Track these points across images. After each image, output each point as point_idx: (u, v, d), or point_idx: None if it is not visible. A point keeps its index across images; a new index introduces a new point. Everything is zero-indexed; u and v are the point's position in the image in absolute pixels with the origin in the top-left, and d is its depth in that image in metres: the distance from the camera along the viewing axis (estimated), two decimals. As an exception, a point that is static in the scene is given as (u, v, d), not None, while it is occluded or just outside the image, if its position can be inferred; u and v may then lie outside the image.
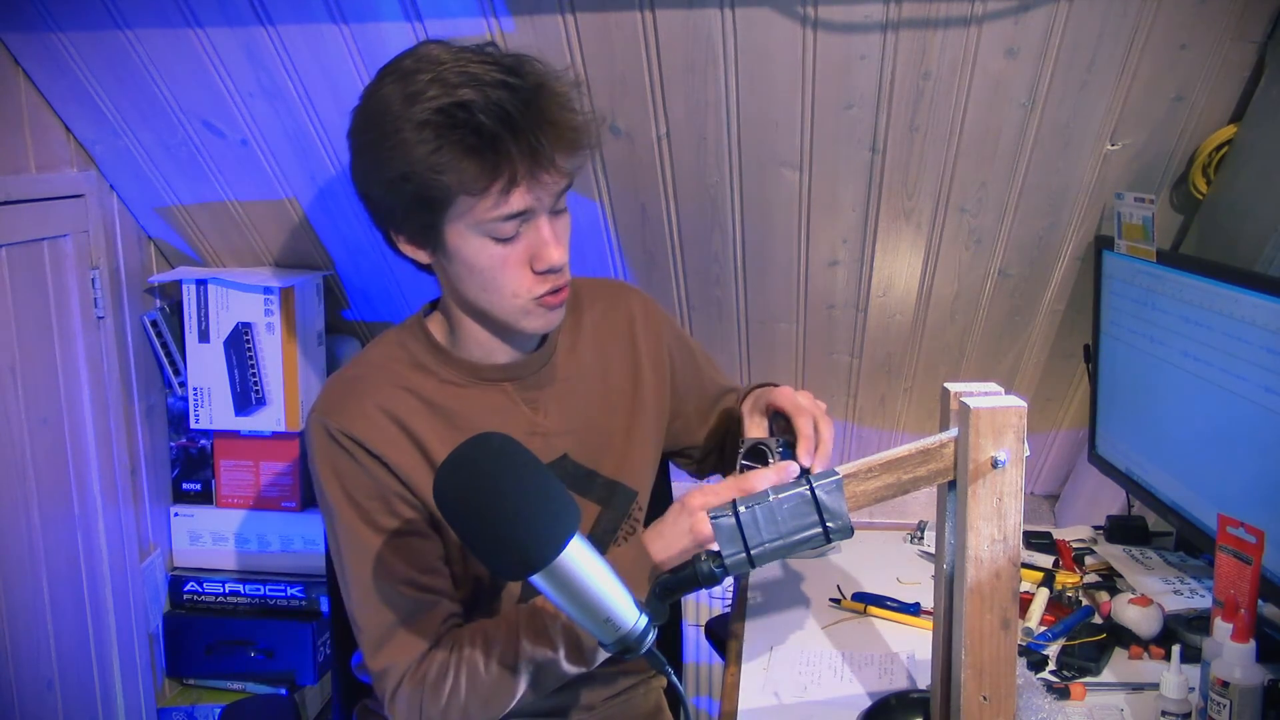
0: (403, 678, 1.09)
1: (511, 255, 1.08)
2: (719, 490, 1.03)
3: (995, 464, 0.86)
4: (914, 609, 1.37)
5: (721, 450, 1.42)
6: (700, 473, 1.47)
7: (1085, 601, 1.41)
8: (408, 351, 1.19)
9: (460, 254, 1.08)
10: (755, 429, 1.23)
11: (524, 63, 1.06)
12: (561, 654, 1.07)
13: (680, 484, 1.56)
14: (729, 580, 1.15)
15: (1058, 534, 1.64)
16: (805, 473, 1.04)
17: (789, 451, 1.15)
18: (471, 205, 1.04)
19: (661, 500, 1.56)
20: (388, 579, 1.11)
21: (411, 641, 1.11)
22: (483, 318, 1.15)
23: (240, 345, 1.74)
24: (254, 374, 1.74)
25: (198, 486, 1.85)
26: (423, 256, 1.13)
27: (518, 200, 1.04)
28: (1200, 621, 1.27)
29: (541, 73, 1.06)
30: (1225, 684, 1.00)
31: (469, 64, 1.03)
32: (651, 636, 0.89)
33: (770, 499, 0.87)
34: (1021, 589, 1.27)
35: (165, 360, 1.80)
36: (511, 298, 1.10)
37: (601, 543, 1.25)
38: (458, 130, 1.00)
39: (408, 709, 1.09)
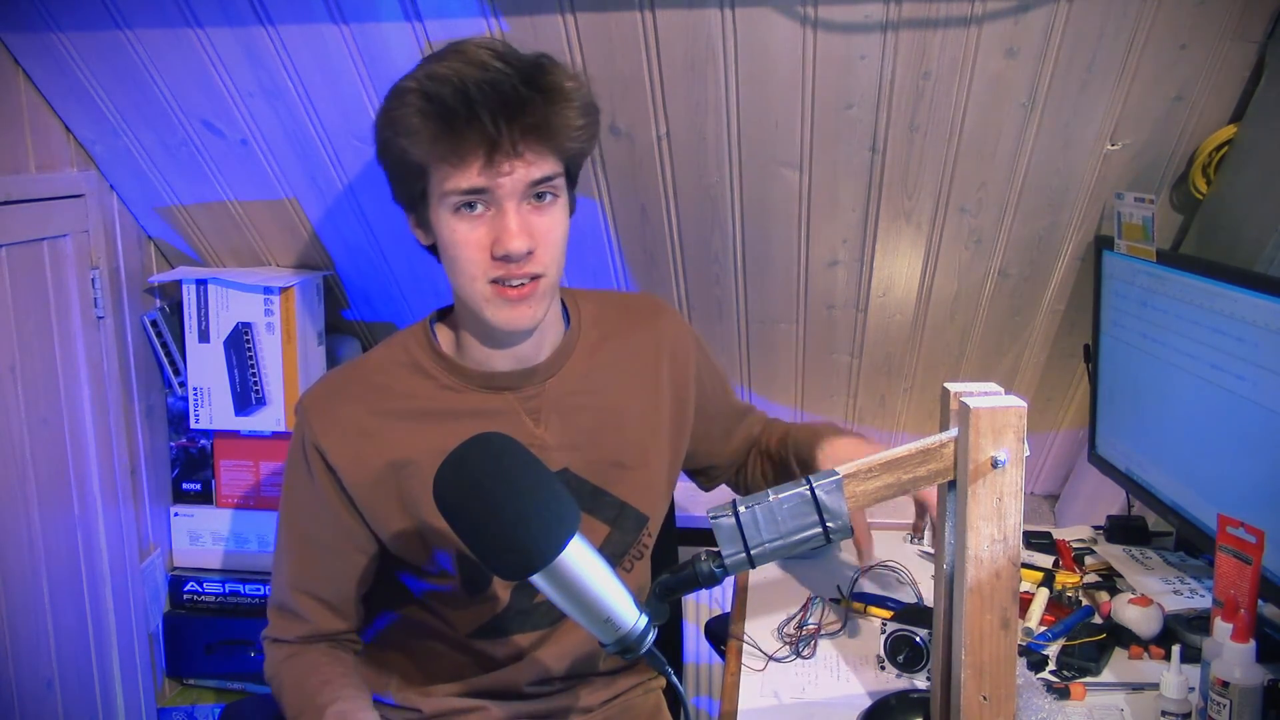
0: (269, 639, 1.25)
1: (473, 236, 1.09)
2: None
3: (995, 464, 0.86)
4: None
5: (739, 471, 1.45)
6: (710, 488, 1.48)
7: (1085, 601, 1.41)
8: (409, 355, 1.20)
9: (438, 231, 1.11)
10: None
11: (519, 56, 1.08)
12: None
13: (683, 483, 1.56)
14: (729, 580, 1.15)
15: (1058, 534, 1.64)
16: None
17: None
18: (438, 176, 1.07)
19: (668, 525, 1.55)
20: (290, 579, 1.22)
21: (285, 626, 1.24)
22: (468, 311, 1.16)
23: (240, 345, 1.74)
24: (254, 374, 1.74)
25: (198, 486, 1.85)
26: (424, 238, 1.16)
27: (473, 175, 1.05)
28: (1200, 621, 1.27)
29: (533, 65, 1.07)
30: (1225, 684, 1.00)
31: (473, 48, 1.06)
32: (651, 636, 0.89)
33: (770, 499, 0.87)
34: (1021, 589, 1.27)
35: (165, 360, 1.80)
36: (470, 281, 1.11)
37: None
38: (424, 99, 1.04)
39: (265, 660, 1.25)
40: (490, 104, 1.02)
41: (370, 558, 1.22)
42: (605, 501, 1.24)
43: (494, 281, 1.10)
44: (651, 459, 1.27)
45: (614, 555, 1.25)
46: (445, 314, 1.24)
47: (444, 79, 1.03)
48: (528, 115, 1.04)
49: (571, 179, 1.17)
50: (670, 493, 1.34)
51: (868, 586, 1.45)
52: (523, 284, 1.10)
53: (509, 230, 1.07)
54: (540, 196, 1.10)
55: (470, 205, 1.08)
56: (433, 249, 1.16)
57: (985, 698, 0.91)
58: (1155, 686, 1.12)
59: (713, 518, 0.88)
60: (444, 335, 1.22)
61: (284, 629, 1.23)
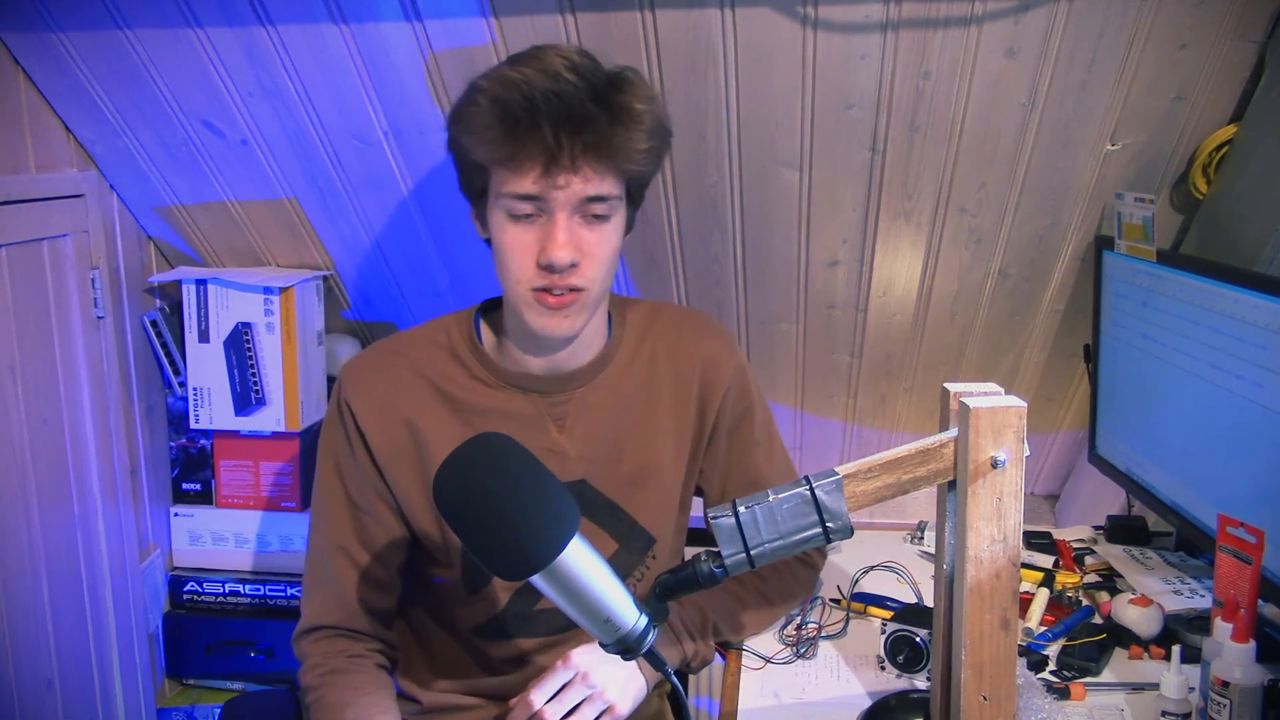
0: (308, 630, 1.21)
1: (522, 240, 1.10)
2: None
3: (995, 464, 0.86)
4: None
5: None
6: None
7: (1085, 602, 1.41)
8: (449, 339, 1.22)
9: (491, 230, 1.13)
10: None
11: (596, 70, 1.08)
12: None
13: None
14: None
15: (1058, 534, 1.64)
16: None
17: None
18: (497, 179, 1.09)
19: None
20: (328, 539, 1.21)
21: (328, 605, 1.21)
22: (511, 310, 1.17)
23: (240, 345, 1.74)
24: (254, 374, 1.74)
25: (197, 487, 1.85)
26: (483, 232, 1.17)
27: (528, 183, 1.06)
28: (1200, 621, 1.27)
29: (607, 82, 1.08)
30: (1225, 684, 1.00)
31: (552, 55, 1.07)
32: (651, 637, 0.90)
33: (770, 499, 0.87)
34: (1021, 589, 1.28)
35: (165, 360, 1.80)
36: (515, 284, 1.12)
37: None
38: (492, 101, 1.05)
39: (300, 658, 1.22)
40: (554, 116, 1.03)
41: (405, 525, 1.22)
42: (618, 518, 1.24)
43: (536, 289, 1.10)
44: (668, 480, 1.27)
45: (620, 576, 1.25)
46: (494, 304, 1.25)
47: (514, 84, 1.04)
48: (590, 132, 1.05)
49: (633, 199, 1.17)
50: (683, 518, 1.33)
51: (868, 586, 1.45)
52: (563, 294, 1.10)
53: (555, 241, 1.08)
54: (595, 215, 1.10)
55: (524, 212, 1.08)
56: (489, 242, 1.18)
57: (985, 698, 0.91)
58: (1155, 687, 1.12)
59: (712, 518, 0.88)
60: (486, 327, 1.24)
61: (319, 608, 1.21)
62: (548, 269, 1.08)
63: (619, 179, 1.10)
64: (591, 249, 1.10)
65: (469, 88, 1.10)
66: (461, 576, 1.22)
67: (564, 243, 1.08)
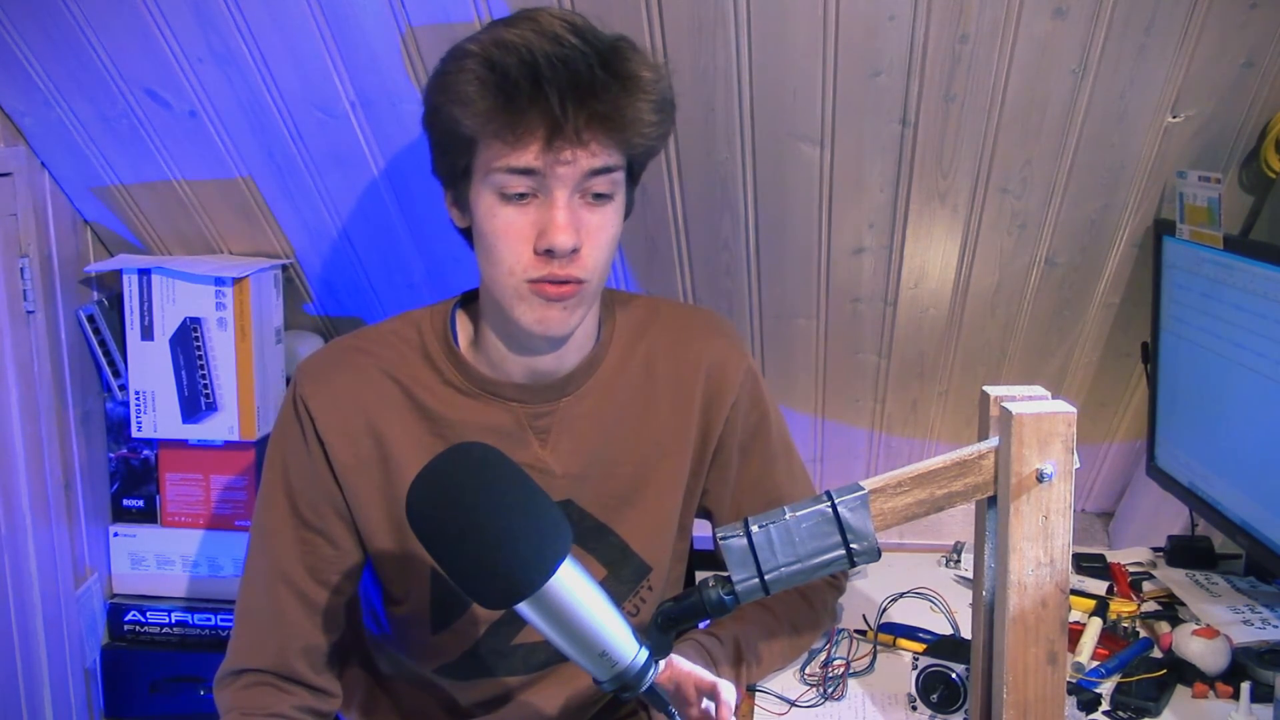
0: (234, 674, 1.19)
1: (517, 223, 1.09)
2: None
3: (1041, 477, 0.86)
4: (949, 641, 1.37)
5: None
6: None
7: (1143, 633, 1.41)
8: (421, 338, 1.21)
9: (475, 214, 1.12)
10: None
11: (597, 34, 1.08)
12: None
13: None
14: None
15: (1112, 556, 1.64)
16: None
17: None
18: (488, 153, 1.07)
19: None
20: (271, 564, 1.19)
21: (261, 645, 1.19)
22: (494, 305, 1.15)
23: (188, 343, 1.74)
24: (203, 376, 1.74)
25: (140, 503, 1.85)
26: (460, 220, 1.17)
27: (530, 156, 1.05)
28: (1273, 655, 1.28)
29: (611, 48, 1.08)
30: (1301, 726, 1.00)
31: (548, 17, 1.07)
32: (653, 673, 0.90)
33: (787, 517, 0.87)
34: (1071, 619, 1.28)
35: (103, 360, 1.80)
36: (507, 275, 1.10)
37: None
38: (486, 66, 1.04)
39: (220, 708, 1.19)
40: (560, 83, 1.03)
41: (361, 550, 1.22)
42: (608, 541, 1.24)
43: (532, 280, 1.10)
44: (665, 500, 1.27)
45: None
46: (471, 299, 1.24)
47: (511, 47, 1.03)
48: (599, 101, 1.05)
49: (633, 179, 1.17)
50: (682, 544, 1.33)
51: (897, 616, 1.45)
52: (563, 284, 1.10)
53: (556, 222, 1.07)
54: (597, 194, 1.10)
55: (519, 191, 1.08)
56: (466, 232, 1.17)
57: (1030, 742, 0.91)
58: (1222, 729, 1.12)
59: (721, 538, 0.88)
60: (463, 324, 1.23)
61: (250, 647, 1.19)
62: (547, 255, 1.08)
63: (622, 155, 1.11)
64: (592, 232, 1.10)
65: (453, 51, 1.09)
66: (429, 610, 1.22)
67: (565, 224, 1.07)
